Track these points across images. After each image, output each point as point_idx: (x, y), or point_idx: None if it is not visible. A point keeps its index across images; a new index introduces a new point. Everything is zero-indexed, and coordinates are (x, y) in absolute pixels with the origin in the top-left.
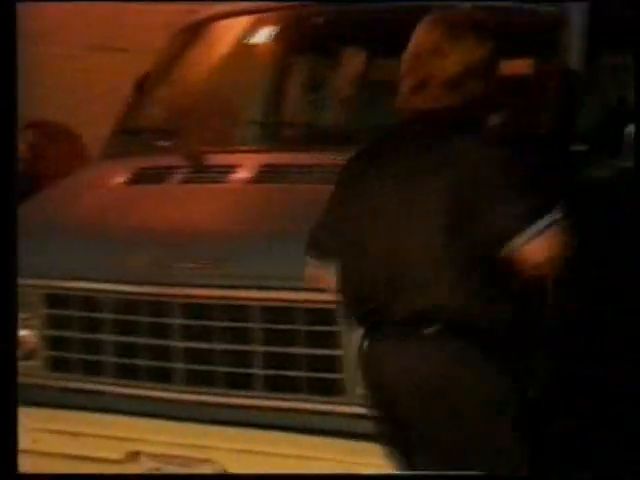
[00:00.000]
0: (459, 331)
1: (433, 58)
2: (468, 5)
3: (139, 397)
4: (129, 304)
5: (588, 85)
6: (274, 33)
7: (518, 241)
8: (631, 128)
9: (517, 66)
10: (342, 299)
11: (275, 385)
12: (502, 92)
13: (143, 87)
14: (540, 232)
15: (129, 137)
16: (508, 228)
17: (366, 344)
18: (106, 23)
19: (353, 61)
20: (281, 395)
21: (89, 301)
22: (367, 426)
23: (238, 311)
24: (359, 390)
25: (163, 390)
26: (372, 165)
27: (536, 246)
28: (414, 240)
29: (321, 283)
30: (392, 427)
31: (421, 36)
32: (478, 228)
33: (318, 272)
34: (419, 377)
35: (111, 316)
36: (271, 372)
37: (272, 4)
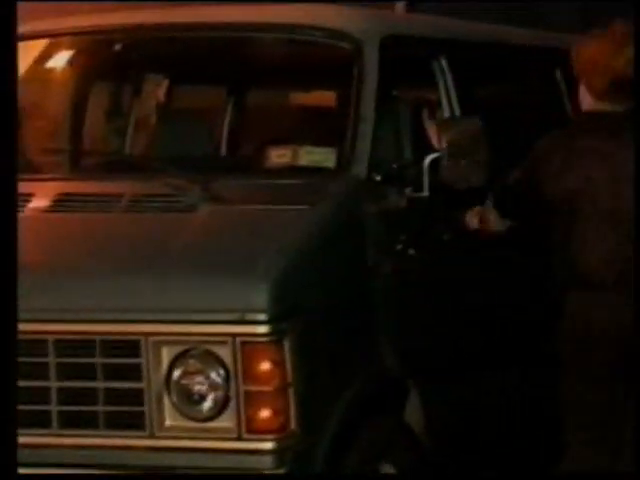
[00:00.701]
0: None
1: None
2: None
3: None
4: None
5: (382, 118)
6: (73, 58)
7: None
8: (426, 160)
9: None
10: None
11: (72, 421)
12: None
13: None
14: None
15: None
16: None
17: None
18: None
19: (154, 89)
20: (79, 432)
21: None
22: (171, 459)
23: (33, 346)
24: (166, 422)
25: None
26: (577, 144)
27: None
28: (621, 203)
29: (490, 225)
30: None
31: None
32: None
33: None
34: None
35: None
36: (67, 408)
37: (72, 28)
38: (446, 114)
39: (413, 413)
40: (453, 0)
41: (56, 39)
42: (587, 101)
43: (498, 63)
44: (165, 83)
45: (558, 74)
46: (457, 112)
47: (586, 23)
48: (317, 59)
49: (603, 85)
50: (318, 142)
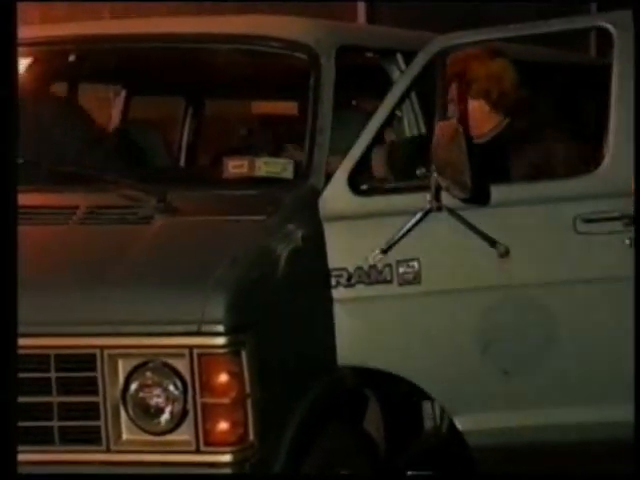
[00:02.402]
0: None
1: None
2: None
3: None
4: None
5: (341, 127)
6: (29, 68)
7: None
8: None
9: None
10: None
11: (28, 437)
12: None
13: None
14: None
15: None
16: None
17: None
18: None
19: (108, 99)
20: (34, 447)
21: None
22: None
23: None
24: (123, 436)
25: None
26: None
27: None
28: None
29: None
30: None
31: None
32: None
33: None
34: None
35: None
36: (23, 423)
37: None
38: (406, 122)
39: (372, 421)
40: None
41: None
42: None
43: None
44: (122, 94)
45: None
46: (419, 120)
47: None
48: (273, 70)
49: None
50: (275, 153)
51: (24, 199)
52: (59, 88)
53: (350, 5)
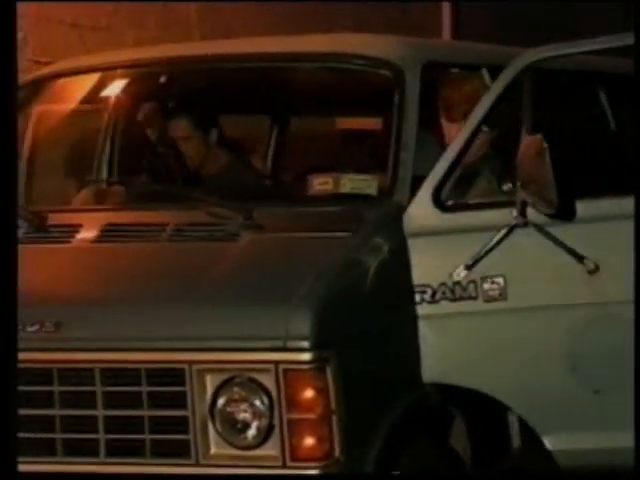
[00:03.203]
0: None
1: None
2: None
3: None
4: None
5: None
6: (119, 91)
7: None
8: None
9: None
10: None
11: (119, 450)
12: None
13: None
14: None
15: None
16: None
17: None
18: None
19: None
20: (125, 460)
21: None
22: None
23: (80, 375)
24: (211, 450)
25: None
26: None
27: None
28: None
29: None
30: None
31: None
32: None
33: None
34: None
35: None
36: (114, 436)
37: (119, 60)
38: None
39: (458, 438)
40: None
41: (103, 72)
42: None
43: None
44: (210, 114)
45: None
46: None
47: None
48: (358, 87)
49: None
50: (359, 170)
51: (116, 217)
52: (150, 109)
53: (435, 5)
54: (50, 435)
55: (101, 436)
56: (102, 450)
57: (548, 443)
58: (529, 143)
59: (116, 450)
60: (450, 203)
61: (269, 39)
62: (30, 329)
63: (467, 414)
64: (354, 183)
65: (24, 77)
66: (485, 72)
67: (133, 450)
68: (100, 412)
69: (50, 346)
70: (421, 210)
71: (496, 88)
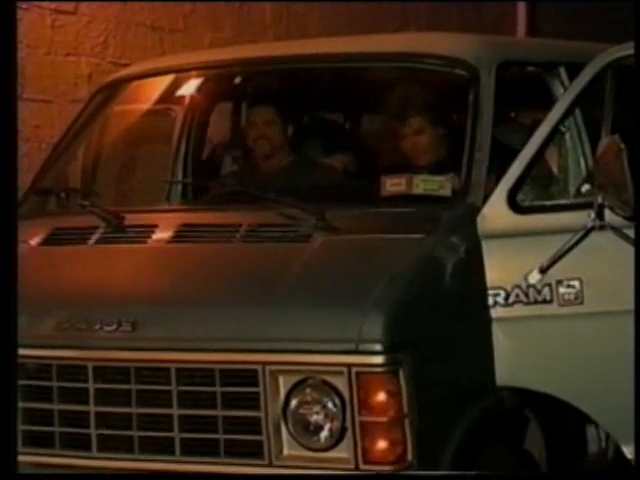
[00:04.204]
0: None
1: None
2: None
3: (54, 466)
4: (41, 369)
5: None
6: (194, 92)
7: None
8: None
9: None
10: None
11: (193, 449)
12: None
13: (59, 146)
14: None
15: (44, 197)
16: None
17: None
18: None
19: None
20: (200, 459)
21: None
22: None
23: (157, 374)
24: (284, 451)
25: (79, 458)
26: None
27: None
28: None
29: None
30: None
31: None
32: None
33: None
34: None
35: (23, 382)
36: (189, 435)
37: (194, 62)
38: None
39: (533, 443)
40: None
41: (176, 75)
42: None
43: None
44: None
45: None
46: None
47: None
48: (432, 87)
49: None
50: (433, 170)
51: (191, 217)
52: (224, 110)
53: (510, 2)
54: (128, 432)
55: (176, 435)
56: (177, 449)
57: (628, 452)
58: (607, 144)
59: (190, 449)
60: (525, 204)
61: (344, 39)
62: (108, 328)
63: (542, 418)
64: (427, 184)
65: (105, 79)
66: (563, 70)
67: (207, 449)
68: (175, 411)
69: (127, 345)
70: (496, 211)
71: (575, 87)
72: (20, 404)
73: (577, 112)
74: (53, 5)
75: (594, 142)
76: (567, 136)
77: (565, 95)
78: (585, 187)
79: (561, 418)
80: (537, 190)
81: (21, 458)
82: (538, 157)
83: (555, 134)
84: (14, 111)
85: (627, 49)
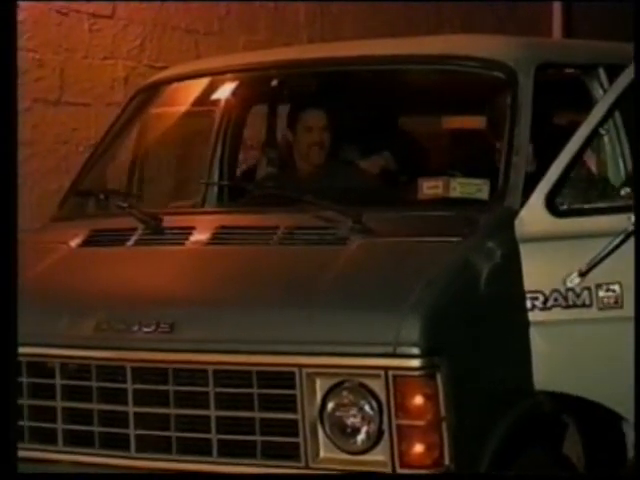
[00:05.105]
0: None
1: None
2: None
3: (93, 465)
4: (80, 369)
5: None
6: (230, 95)
7: None
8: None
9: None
10: None
11: (230, 450)
12: None
13: (98, 147)
14: None
15: (84, 199)
16: None
17: None
18: (58, 76)
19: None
20: (237, 460)
21: (38, 367)
22: None
23: (194, 376)
24: (320, 454)
25: (117, 457)
26: None
27: None
28: None
29: None
30: None
31: None
32: None
33: None
34: None
35: (63, 382)
36: (226, 437)
37: (231, 65)
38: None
39: (572, 447)
40: None
41: (213, 78)
42: None
43: None
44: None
45: None
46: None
47: None
48: (470, 89)
49: None
50: (470, 173)
51: (228, 219)
52: (260, 113)
53: (545, 3)
54: (166, 433)
55: (213, 436)
56: (214, 450)
57: None
58: None
59: (227, 450)
60: (564, 208)
61: (381, 41)
62: (146, 330)
63: (581, 423)
64: (464, 187)
65: (143, 82)
66: (602, 71)
67: (244, 451)
68: (212, 412)
69: (165, 347)
70: (534, 215)
71: (615, 89)
72: (60, 404)
73: (616, 114)
74: (91, 9)
75: (634, 144)
76: (606, 138)
77: (604, 97)
78: (625, 190)
79: (600, 423)
80: (576, 193)
81: (62, 457)
82: (577, 160)
83: (594, 137)
84: (14, 111)
85: None
